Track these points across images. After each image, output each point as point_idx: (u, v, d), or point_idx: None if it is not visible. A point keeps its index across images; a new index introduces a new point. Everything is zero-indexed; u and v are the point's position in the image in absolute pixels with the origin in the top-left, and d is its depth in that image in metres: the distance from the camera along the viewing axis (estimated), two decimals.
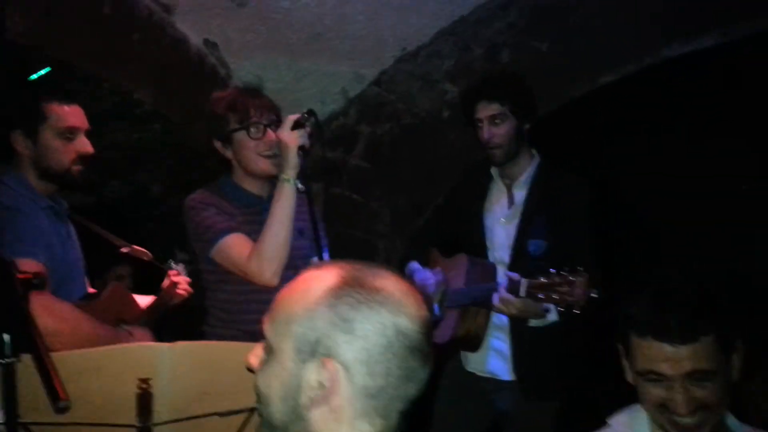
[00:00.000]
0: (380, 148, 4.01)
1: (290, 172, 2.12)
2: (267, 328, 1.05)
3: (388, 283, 1.02)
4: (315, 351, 0.98)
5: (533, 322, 2.40)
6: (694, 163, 3.84)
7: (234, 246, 2.18)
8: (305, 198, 2.14)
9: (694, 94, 3.75)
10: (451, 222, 2.74)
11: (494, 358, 2.56)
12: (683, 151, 3.84)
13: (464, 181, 2.82)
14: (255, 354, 1.07)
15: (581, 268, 2.13)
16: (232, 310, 2.27)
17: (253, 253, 2.13)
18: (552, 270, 2.19)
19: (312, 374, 0.98)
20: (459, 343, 2.53)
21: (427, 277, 2.55)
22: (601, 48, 3.53)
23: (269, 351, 1.03)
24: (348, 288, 1.00)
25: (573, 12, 3.57)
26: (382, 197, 4.02)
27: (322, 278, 1.02)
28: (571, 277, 2.13)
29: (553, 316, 2.37)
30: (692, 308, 1.37)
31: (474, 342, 2.50)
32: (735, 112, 3.74)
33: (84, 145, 2.18)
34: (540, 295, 2.20)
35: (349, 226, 3.90)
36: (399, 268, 2.85)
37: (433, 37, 3.80)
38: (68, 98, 2.19)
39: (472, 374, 2.60)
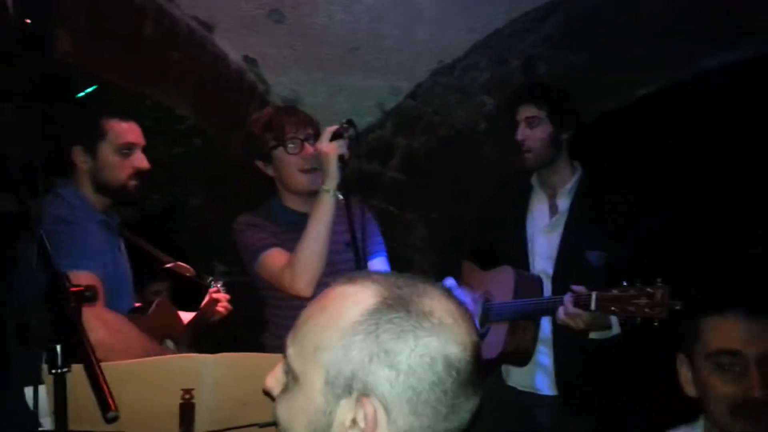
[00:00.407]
0: (416, 161, 4.02)
1: (331, 183, 2.14)
2: (291, 350, 0.91)
3: (437, 304, 0.87)
4: (350, 386, 0.84)
5: (593, 335, 2.35)
6: (729, 173, 3.76)
7: (271, 259, 2.21)
8: (348, 211, 2.14)
9: (731, 106, 3.68)
10: (490, 232, 2.74)
11: (539, 374, 2.53)
12: (719, 163, 3.76)
13: (502, 192, 2.82)
14: (274, 376, 0.94)
15: (660, 280, 2.08)
16: (288, 324, 2.29)
17: (287, 264, 2.16)
18: (624, 282, 2.14)
19: (346, 413, 0.84)
20: (508, 358, 2.50)
21: (464, 296, 2.54)
22: (637, 59, 3.49)
23: (293, 377, 0.89)
24: (390, 311, 0.85)
25: (607, 25, 3.54)
26: (418, 209, 4.03)
27: (358, 297, 0.87)
28: (650, 290, 2.07)
29: (616, 329, 2.34)
30: (758, 288, 1.45)
31: (524, 356, 2.47)
32: None
33: (140, 160, 2.26)
34: (613, 308, 2.14)
35: (384, 238, 3.91)
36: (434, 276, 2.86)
37: (468, 50, 3.81)
38: (125, 115, 2.28)
39: (513, 388, 2.58)
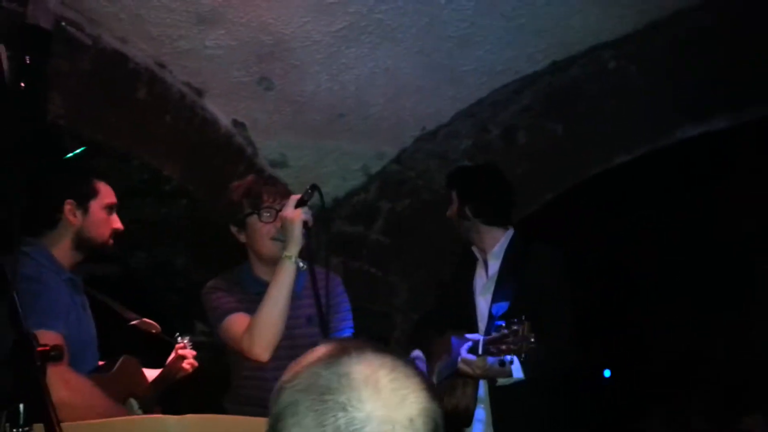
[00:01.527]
0: (399, 224, 4.09)
1: (293, 249, 2.17)
2: None
3: (359, 366, 0.83)
4: None
5: (501, 381, 2.48)
6: (705, 240, 3.84)
7: (233, 324, 2.24)
8: (312, 279, 2.15)
9: (708, 174, 3.80)
10: (447, 303, 2.96)
11: (478, 429, 2.59)
12: (697, 228, 3.85)
13: (457, 265, 3.07)
14: None
15: (524, 317, 2.23)
16: (248, 389, 2.30)
17: (246, 329, 2.18)
18: (499, 323, 2.31)
19: None
20: (450, 418, 2.54)
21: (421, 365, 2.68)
22: (615, 129, 3.62)
23: None
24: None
25: (587, 95, 3.69)
26: (401, 271, 4.07)
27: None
28: (514, 327, 2.23)
29: (518, 374, 2.42)
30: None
31: (465, 415, 2.56)
32: (748, 192, 3.76)
33: (117, 221, 2.37)
34: (493, 350, 2.30)
35: (367, 300, 3.94)
36: (406, 346, 2.95)
37: (451, 117, 3.94)
38: (106, 179, 2.39)
39: None
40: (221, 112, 3.67)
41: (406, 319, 3.99)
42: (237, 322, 2.24)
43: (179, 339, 2.63)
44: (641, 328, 3.96)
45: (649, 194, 3.98)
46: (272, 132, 3.80)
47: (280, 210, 2.31)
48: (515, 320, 2.27)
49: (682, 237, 3.84)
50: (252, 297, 2.31)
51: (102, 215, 2.29)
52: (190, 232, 3.93)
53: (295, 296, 2.24)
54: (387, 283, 4.03)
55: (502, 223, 2.82)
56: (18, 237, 1.31)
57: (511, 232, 2.83)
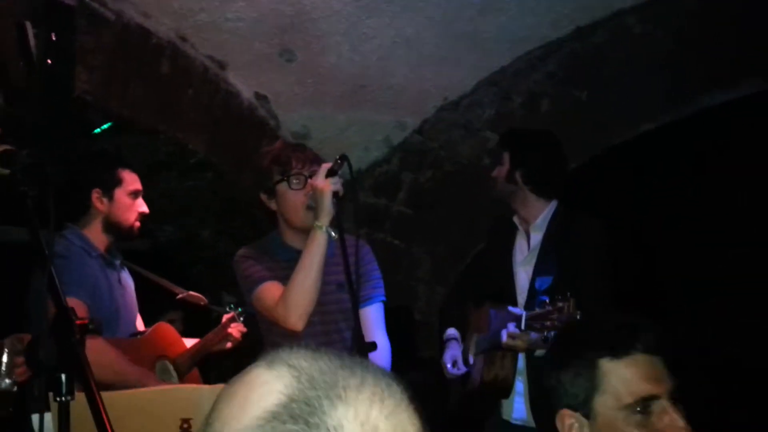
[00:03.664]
0: (422, 195, 4.09)
1: (324, 219, 2.17)
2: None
3: (352, 415, 0.67)
4: None
5: (538, 352, 2.45)
6: (731, 212, 3.79)
7: (266, 293, 2.26)
8: (343, 249, 2.14)
9: (736, 142, 3.73)
10: (484, 274, 2.88)
11: (519, 402, 2.60)
12: (723, 200, 3.80)
13: (492, 231, 2.97)
14: None
15: (569, 293, 2.18)
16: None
17: (280, 299, 2.21)
18: (543, 298, 2.28)
19: None
20: (488, 389, 2.56)
21: (454, 358, 2.68)
22: (640, 96, 3.56)
23: None
24: (287, 421, 0.67)
25: (611, 61, 3.63)
26: (424, 243, 4.08)
27: (265, 390, 0.70)
28: (560, 304, 2.20)
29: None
30: (654, 327, 1.30)
31: (503, 387, 2.55)
32: None
33: (143, 205, 2.53)
34: (537, 326, 2.27)
35: (390, 272, 3.96)
36: (439, 320, 2.94)
37: (473, 87, 3.91)
38: (130, 167, 2.57)
39: (507, 422, 2.63)
40: (244, 85, 3.68)
41: (429, 291, 4.01)
42: (270, 290, 2.26)
43: (228, 309, 2.71)
44: (668, 302, 3.94)
45: (676, 163, 3.92)
46: (294, 104, 3.80)
47: (310, 176, 2.30)
48: (559, 296, 2.22)
49: (710, 208, 3.79)
50: (283, 264, 2.33)
51: (127, 201, 2.47)
52: (216, 205, 3.98)
53: (326, 262, 2.25)
54: (410, 255, 4.05)
55: (551, 194, 2.70)
56: (54, 215, 1.35)
57: (554, 203, 2.71)
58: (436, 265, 4.04)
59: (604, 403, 1.24)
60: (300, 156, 2.38)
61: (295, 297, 2.18)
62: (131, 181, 2.50)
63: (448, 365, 2.68)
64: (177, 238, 4.11)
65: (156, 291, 2.86)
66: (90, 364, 1.74)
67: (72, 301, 1.99)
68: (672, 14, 3.47)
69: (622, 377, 1.24)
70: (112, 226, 2.45)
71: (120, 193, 2.46)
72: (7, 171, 1.46)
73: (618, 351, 1.26)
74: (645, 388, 1.23)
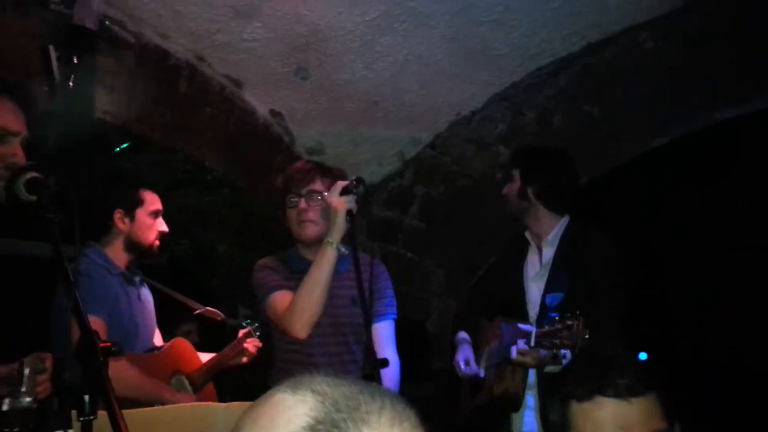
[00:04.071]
0: (435, 209, 4.14)
1: (335, 235, 2.25)
2: None
3: None
4: None
5: (548, 369, 2.48)
6: (746, 226, 3.79)
7: (276, 301, 2.34)
8: (356, 264, 2.17)
9: (747, 157, 3.74)
10: (496, 288, 2.89)
11: (529, 416, 2.62)
12: (735, 214, 3.80)
13: (507, 249, 2.98)
14: None
15: (578, 312, 2.20)
16: (290, 363, 2.39)
17: (287, 307, 2.29)
18: (554, 315, 2.30)
19: None
20: (499, 403, 2.59)
21: (466, 357, 2.70)
22: (651, 111, 3.59)
23: None
24: None
25: (623, 77, 3.65)
26: (437, 256, 4.13)
27: (291, 414, 0.75)
28: (568, 322, 2.22)
29: (567, 362, 2.43)
30: (634, 368, 1.33)
31: (513, 401, 2.57)
32: None
33: (163, 224, 2.62)
34: (546, 343, 2.30)
35: (403, 285, 4.01)
36: (452, 329, 2.97)
37: (485, 102, 3.96)
38: (151, 186, 2.65)
39: None
40: (259, 102, 3.76)
41: (442, 304, 4.05)
42: (280, 299, 2.34)
43: (245, 324, 2.78)
44: (678, 316, 3.94)
45: (688, 178, 3.93)
46: (309, 120, 3.87)
47: (304, 195, 2.39)
48: (569, 314, 2.24)
49: (721, 222, 3.79)
50: (298, 276, 2.40)
51: (148, 221, 2.55)
52: (232, 220, 4.06)
53: (339, 276, 2.33)
54: (423, 268, 4.09)
55: (563, 209, 2.73)
56: (79, 242, 1.41)
57: (566, 219, 2.74)
58: (448, 278, 4.08)
59: None
60: (298, 176, 2.45)
61: (301, 306, 2.26)
62: (152, 201, 2.58)
63: (461, 364, 2.71)
64: (194, 253, 4.19)
65: (173, 305, 2.93)
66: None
67: (91, 318, 2.09)
68: (682, 30, 3.50)
69: (587, 419, 1.30)
70: (133, 245, 2.53)
71: (141, 213, 2.54)
72: (34, 198, 1.53)
73: (582, 396, 1.31)
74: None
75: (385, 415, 0.75)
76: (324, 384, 0.77)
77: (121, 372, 2.19)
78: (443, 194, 4.09)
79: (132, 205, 2.53)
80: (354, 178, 2.30)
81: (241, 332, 2.78)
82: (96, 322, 2.13)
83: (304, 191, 2.40)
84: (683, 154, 3.73)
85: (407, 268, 4.05)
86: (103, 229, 2.51)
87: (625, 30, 3.60)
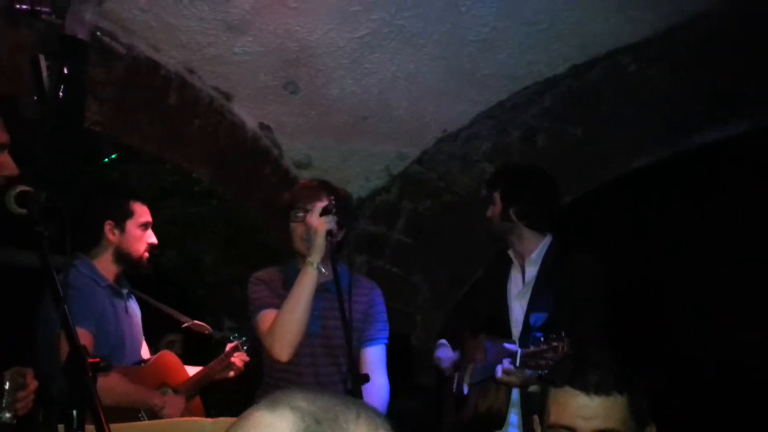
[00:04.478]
0: (421, 224, 4.18)
1: (315, 257, 2.27)
2: None
3: None
4: None
5: (533, 388, 2.49)
6: (727, 247, 3.86)
7: (263, 319, 2.35)
8: (337, 284, 2.16)
9: (728, 179, 3.82)
10: (480, 304, 2.92)
11: (510, 430, 2.64)
12: (716, 236, 3.87)
13: (490, 264, 3.02)
14: None
15: (563, 333, 2.23)
16: (285, 380, 2.39)
17: (268, 329, 2.30)
18: (538, 335, 2.33)
19: None
20: (482, 419, 2.62)
21: (445, 356, 2.74)
22: (634, 132, 3.66)
23: None
24: None
25: (606, 98, 3.73)
26: (423, 271, 4.16)
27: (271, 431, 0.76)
28: (555, 343, 2.25)
29: None
30: (609, 366, 1.44)
31: (497, 418, 2.60)
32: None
33: (152, 236, 2.63)
34: (531, 363, 2.33)
35: (389, 299, 4.03)
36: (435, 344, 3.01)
37: (472, 120, 4.01)
38: (141, 198, 2.67)
39: None
40: (248, 115, 3.79)
41: (428, 318, 4.08)
42: (267, 318, 2.35)
43: (232, 338, 2.79)
44: (665, 335, 4.00)
45: (669, 198, 4.01)
46: (298, 134, 3.90)
47: (309, 211, 2.37)
48: (554, 336, 2.27)
49: (703, 242, 3.86)
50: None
51: (137, 233, 2.56)
52: (219, 231, 4.07)
53: (331, 297, 2.30)
54: (409, 283, 4.12)
55: (546, 228, 2.76)
56: (70, 259, 1.43)
57: (549, 238, 2.76)
58: (434, 293, 4.12)
59: (546, 418, 1.48)
60: (304, 193, 2.46)
61: (281, 329, 2.27)
62: (142, 213, 2.60)
63: (444, 362, 2.77)
64: (180, 263, 4.19)
65: (160, 317, 2.94)
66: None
67: (78, 331, 2.09)
68: (665, 53, 3.58)
69: (555, 403, 1.45)
70: (122, 257, 2.54)
71: (131, 225, 2.55)
72: (24, 211, 1.54)
73: (556, 382, 1.47)
74: (563, 418, 1.42)
75: (362, 423, 0.78)
76: (300, 399, 0.80)
77: (109, 381, 2.20)
78: (429, 209, 4.13)
79: (122, 216, 2.54)
80: (333, 197, 2.31)
81: (229, 346, 2.78)
82: (83, 335, 2.12)
83: (309, 207, 2.39)
84: (670, 172, 3.80)
85: (393, 283, 4.08)
86: (92, 241, 2.51)
87: (609, 53, 3.69)
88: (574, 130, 3.78)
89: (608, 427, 1.39)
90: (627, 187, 3.82)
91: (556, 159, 3.57)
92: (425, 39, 3.48)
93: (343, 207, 2.31)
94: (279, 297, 2.40)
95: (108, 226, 2.53)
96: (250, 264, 3.45)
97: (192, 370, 2.70)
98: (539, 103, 3.84)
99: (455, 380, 2.78)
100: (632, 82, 3.66)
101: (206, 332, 2.86)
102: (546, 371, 2.24)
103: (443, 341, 2.89)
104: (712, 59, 3.49)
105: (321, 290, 2.38)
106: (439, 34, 3.46)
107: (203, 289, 4.32)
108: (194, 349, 3.58)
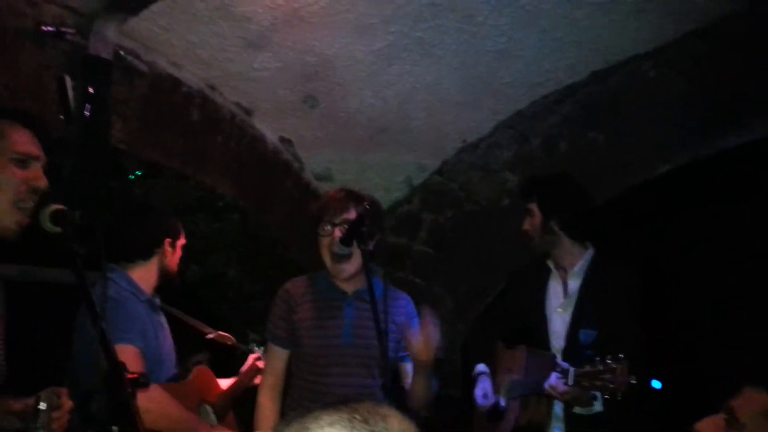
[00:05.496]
0: (442, 235, 4.17)
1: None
2: None
3: None
4: None
5: (578, 410, 2.46)
6: (752, 253, 3.82)
7: (269, 355, 2.49)
8: (373, 300, 2.12)
9: (753, 184, 3.77)
10: (515, 314, 2.85)
11: None
12: (740, 242, 3.83)
13: (525, 274, 2.91)
14: None
15: (622, 355, 2.19)
16: (314, 392, 2.39)
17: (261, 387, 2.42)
18: (597, 358, 2.29)
19: None
20: None
21: (482, 392, 2.68)
22: (656, 139, 3.63)
23: None
24: None
25: (627, 105, 3.71)
26: (445, 282, 4.15)
27: None
28: (613, 365, 2.21)
29: (598, 406, 2.42)
30: None
31: (538, 431, 2.55)
32: None
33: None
34: (585, 384, 2.29)
35: None
36: (463, 354, 2.97)
37: (491, 129, 4.01)
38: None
39: None
40: (269, 129, 3.82)
41: (451, 330, 4.06)
42: (270, 355, 2.48)
43: (254, 348, 2.81)
44: (686, 342, 3.96)
45: (693, 205, 3.97)
46: (318, 147, 3.93)
47: (338, 224, 2.37)
48: (610, 357, 2.24)
49: (726, 248, 3.82)
50: (320, 296, 2.43)
51: (180, 252, 2.64)
52: (241, 245, 4.10)
53: (365, 306, 2.27)
54: (431, 294, 4.11)
55: (587, 237, 2.71)
56: (105, 277, 1.44)
57: (591, 250, 2.71)
58: (456, 304, 4.10)
59: None
60: (333, 205, 2.44)
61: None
62: (183, 234, 2.68)
63: (479, 398, 2.70)
64: (203, 277, 4.22)
65: (183, 330, 2.95)
66: (154, 412, 1.83)
67: (126, 348, 2.14)
68: (685, 58, 3.56)
69: None
70: (165, 272, 2.57)
71: (179, 244, 2.63)
72: (59, 229, 1.56)
73: None
74: None
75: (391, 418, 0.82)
76: (332, 415, 0.84)
77: (168, 408, 2.25)
78: (450, 220, 4.12)
79: (176, 234, 2.61)
80: (346, 225, 2.30)
81: (252, 357, 2.80)
82: (130, 350, 2.18)
83: (337, 220, 2.39)
84: (688, 181, 3.77)
85: (415, 294, 4.06)
86: (144, 255, 2.51)
87: (629, 59, 3.67)
88: (594, 137, 3.76)
89: None
90: (649, 192, 3.79)
91: (577, 166, 3.54)
92: (443, 50, 3.49)
93: (373, 216, 2.29)
94: (292, 312, 2.42)
95: (167, 242, 2.57)
96: (272, 277, 3.47)
97: (223, 383, 2.72)
98: (559, 110, 3.83)
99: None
100: (652, 87, 3.64)
101: (230, 343, 2.88)
102: (605, 394, 2.20)
103: (483, 368, 2.78)
104: (733, 63, 3.47)
105: (354, 298, 2.38)
106: (457, 44, 3.47)
107: (226, 302, 4.34)
108: (217, 364, 3.59)
